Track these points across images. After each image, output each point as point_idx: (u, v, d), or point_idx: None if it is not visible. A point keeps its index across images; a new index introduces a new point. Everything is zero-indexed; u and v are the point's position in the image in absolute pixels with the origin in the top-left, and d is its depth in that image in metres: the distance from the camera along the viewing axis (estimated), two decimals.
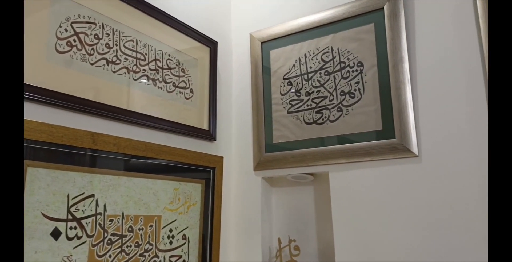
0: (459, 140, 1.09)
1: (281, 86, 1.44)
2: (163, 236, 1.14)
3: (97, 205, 0.98)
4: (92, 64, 1.04)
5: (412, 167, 1.16)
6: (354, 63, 1.30)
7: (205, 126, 1.38)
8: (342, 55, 1.33)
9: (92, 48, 1.04)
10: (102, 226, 0.99)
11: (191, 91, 1.36)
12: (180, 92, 1.31)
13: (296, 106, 1.40)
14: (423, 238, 1.10)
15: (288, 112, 1.41)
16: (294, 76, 1.42)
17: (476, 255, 1.02)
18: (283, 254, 1.36)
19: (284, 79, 1.44)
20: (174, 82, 1.29)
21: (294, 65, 1.43)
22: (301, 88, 1.40)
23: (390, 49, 1.22)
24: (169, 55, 1.28)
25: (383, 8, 1.25)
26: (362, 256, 1.18)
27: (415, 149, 1.14)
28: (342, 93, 1.30)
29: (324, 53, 1.37)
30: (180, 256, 1.19)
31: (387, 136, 1.20)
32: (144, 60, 1.19)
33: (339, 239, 1.23)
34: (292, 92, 1.42)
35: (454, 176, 1.08)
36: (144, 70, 1.19)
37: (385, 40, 1.24)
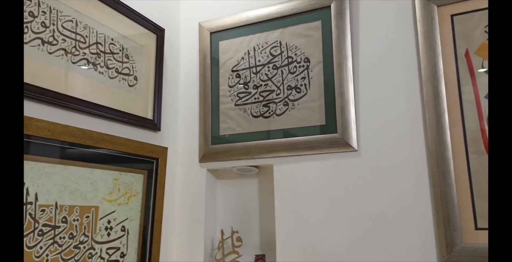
0: (396, 136, 1.16)
1: (229, 78, 1.44)
2: (100, 227, 1.10)
3: (27, 193, 0.92)
4: (25, 43, 0.96)
5: (351, 161, 1.21)
6: (301, 58, 1.33)
7: (149, 115, 1.34)
8: (290, 50, 1.35)
9: (26, 26, 0.97)
10: (33, 216, 0.92)
11: (135, 78, 1.31)
12: (123, 78, 1.26)
13: (243, 99, 1.40)
14: (361, 228, 1.16)
15: (235, 105, 1.41)
16: (243, 69, 1.42)
17: (409, 243, 1.10)
18: (225, 246, 1.36)
19: (233, 71, 1.44)
20: (117, 68, 1.23)
21: (243, 58, 1.43)
22: (249, 81, 1.40)
23: (336, 47, 1.26)
24: (112, 39, 1.23)
25: (330, 6, 1.29)
26: (302, 246, 1.22)
27: (354, 144, 1.20)
28: (289, 87, 1.33)
29: (272, 47, 1.38)
30: (118, 248, 1.15)
31: (330, 130, 1.24)
32: (84, 43, 1.13)
33: (281, 230, 1.26)
34: (240, 84, 1.42)
35: (391, 169, 1.15)
36: (84, 53, 1.12)
37: (331, 38, 1.28)
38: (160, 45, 1.41)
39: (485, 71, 1.07)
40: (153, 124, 1.34)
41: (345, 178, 1.21)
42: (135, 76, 1.31)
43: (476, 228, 1.02)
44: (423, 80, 1.13)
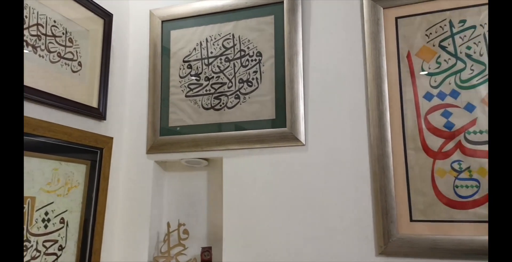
0: (341, 131, 1.21)
1: (180, 69, 1.41)
2: (36, 219, 1.04)
3: None
4: None
5: (299, 155, 1.24)
6: (253, 52, 1.33)
7: (94, 103, 1.28)
8: (242, 43, 1.35)
9: None
10: None
11: (80, 64, 1.24)
12: (66, 64, 1.19)
13: (194, 91, 1.38)
14: (305, 220, 1.19)
15: (186, 96, 1.39)
16: (194, 60, 1.40)
17: (350, 234, 1.14)
18: (171, 239, 1.35)
19: (184, 62, 1.41)
20: (59, 52, 1.17)
21: (195, 49, 1.41)
22: (200, 73, 1.39)
23: (287, 42, 1.28)
24: (54, 21, 1.16)
25: (283, 2, 1.31)
26: (248, 239, 1.23)
27: (302, 138, 1.23)
28: (240, 81, 1.33)
29: (225, 40, 1.37)
30: (56, 241, 1.10)
31: (279, 125, 1.26)
32: (24, 23, 1.05)
33: (228, 223, 1.27)
34: (191, 76, 1.40)
35: (335, 163, 1.19)
36: (23, 35, 1.05)
37: (283, 33, 1.30)
38: (107, 31, 1.35)
39: (425, 74, 1.13)
40: (98, 113, 1.29)
41: (292, 172, 1.23)
42: (79, 62, 1.24)
43: (411, 220, 1.09)
44: (368, 79, 1.18)
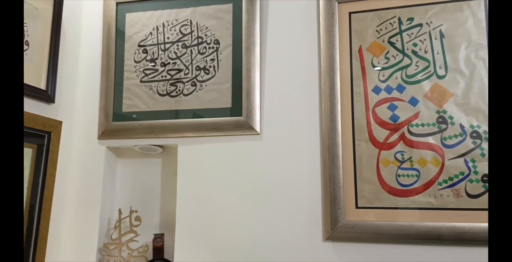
0: (295, 121, 1.24)
1: (135, 53, 1.38)
2: None
3: None
4: None
5: (254, 144, 1.26)
6: (211, 40, 1.33)
7: (42, 85, 1.23)
8: (200, 30, 1.34)
9: None
10: None
11: (27, 43, 1.18)
12: None
13: (150, 76, 1.36)
14: (258, 207, 1.22)
15: (141, 81, 1.36)
16: (150, 45, 1.38)
17: (300, 220, 1.19)
18: (123, 225, 1.33)
19: (140, 46, 1.38)
20: None
21: (151, 33, 1.38)
22: (156, 58, 1.36)
23: (245, 32, 1.29)
24: None
25: None
26: (201, 225, 1.25)
27: (258, 127, 1.25)
28: (197, 68, 1.33)
29: (182, 26, 1.36)
30: None
31: (235, 113, 1.28)
32: None
33: (182, 210, 1.27)
34: (147, 61, 1.37)
35: (288, 152, 1.23)
36: None
37: (241, 22, 1.30)
38: (57, 11, 1.29)
39: (374, 68, 1.19)
40: (46, 96, 1.23)
41: (247, 160, 1.26)
42: (27, 41, 1.18)
43: (357, 207, 1.14)
44: (321, 72, 1.22)
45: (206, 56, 1.32)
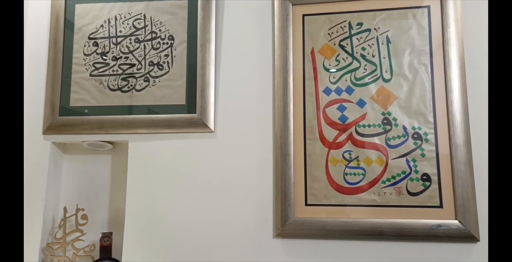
0: (249, 119, 1.25)
1: (85, 46, 1.33)
2: None
3: None
4: None
5: (208, 141, 1.26)
6: (165, 35, 1.31)
7: None
8: (154, 25, 1.32)
9: None
10: None
11: None
12: None
13: (100, 70, 1.32)
14: (209, 205, 1.22)
15: (90, 75, 1.32)
16: (102, 38, 1.33)
17: (251, 217, 1.20)
18: (68, 224, 1.28)
19: (90, 39, 1.34)
20: None
21: (102, 26, 1.34)
22: (107, 52, 1.32)
23: (200, 28, 1.28)
24: None
25: None
26: (151, 224, 1.23)
27: (211, 125, 1.25)
28: (151, 63, 1.30)
29: (136, 20, 1.33)
30: None
31: (189, 110, 1.27)
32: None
33: (131, 208, 1.25)
34: (97, 54, 1.33)
35: (241, 150, 1.24)
36: None
37: (196, 19, 1.29)
38: None
39: (326, 70, 1.22)
40: None
41: (200, 158, 1.25)
42: None
43: (306, 204, 1.17)
44: (275, 71, 1.24)
45: (160, 52, 1.30)
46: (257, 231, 1.19)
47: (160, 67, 1.29)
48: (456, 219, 1.08)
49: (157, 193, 1.25)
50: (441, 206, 1.10)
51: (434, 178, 1.12)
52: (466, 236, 1.07)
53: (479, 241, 1.07)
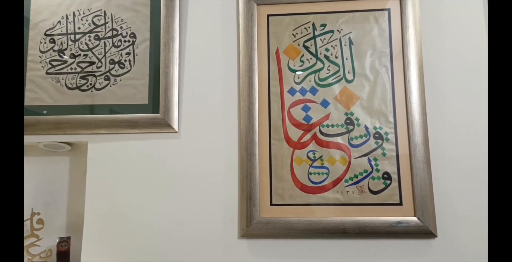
0: (214, 119, 1.24)
1: (41, 43, 1.28)
2: None
3: None
4: None
5: (171, 141, 1.24)
6: (127, 33, 1.27)
7: None
8: (115, 22, 1.28)
9: None
10: None
11: None
12: None
13: (57, 68, 1.26)
14: (173, 206, 1.20)
15: (47, 73, 1.26)
16: (59, 34, 1.28)
17: (217, 218, 1.19)
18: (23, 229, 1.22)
19: (46, 35, 1.28)
20: None
21: (59, 22, 1.28)
22: (65, 49, 1.27)
23: (163, 27, 1.26)
24: None
25: None
26: (112, 227, 1.19)
27: (175, 125, 1.23)
28: (111, 62, 1.26)
29: (95, 16, 1.28)
30: None
31: (152, 110, 1.24)
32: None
33: (90, 212, 1.20)
34: (54, 51, 1.27)
35: (206, 151, 1.22)
36: None
37: (160, 17, 1.26)
38: None
39: (290, 70, 1.23)
40: None
41: (164, 158, 1.23)
42: None
43: (271, 204, 1.18)
44: (240, 71, 1.23)
45: (121, 50, 1.26)
46: (223, 232, 1.18)
47: (122, 65, 1.26)
48: (415, 216, 1.12)
49: (119, 196, 1.21)
50: (400, 204, 1.14)
51: (394, 176, 1.15)
52: (425, 232, 1.11)
53: (436, 236, 1.11)
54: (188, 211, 1.20)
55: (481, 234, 1.11)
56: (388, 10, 1.23)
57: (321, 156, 1.18)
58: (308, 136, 1.20)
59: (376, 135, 1.18)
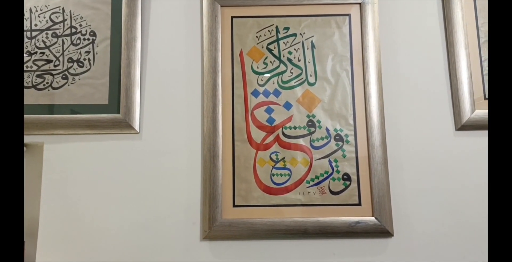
0: (176, 121, 1.22)
1: None
2: None
3: None
4: None
5: (132, 143, 1.21)
6: (86, 31, 1.24)
7: None
8: (74, 19, 1.24)
9: None
10: None
11: None
12: None
13: None
14: (134, 209, 1.18)
15: None
16: None
17: (179, 220, 1.17)
18: None
19: None
20: None
21: None
22: None
23: (125, 26, 1.23)
24: None
25: None
26: (69, 231, 1.15)
27: (136, 126, 1.20)
28: (70, 60, 1.22)
29: (53, 13, 1.24)
30: None
31: (112, 110, 1.21)
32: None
33: (46, 215, 1.16)
34: None
35: (169, 152, 1.21)
36: None
37: (121, 15, 1.24)
38: None
39: (254, 73, 1.24)
40: None
41: (125, 160, 1.20)
42: None
43: (234, 206, 1.18)
44: (204, 72, 1.23)
45: (81, 48, 1.23)
46: (184, 234, 1.17)
47: (81, 64, 1.22)
48: (373, 216, 1.15)
49: (77, 199, 1.17)
50: (359, 204, 1.17)
51: (354, 177, 1.18)
52: (382, 232, 1.14)
53: (393, 235, 1.15)
54: (149, 214, 1.18)
55: (433, 233, 1.16)
56: (349, 15, 1.26)
57: (284, 158, 1.20)
58: (271, 138, 1.21)
59: (337, 137, 1.20)
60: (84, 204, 1.17)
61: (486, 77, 1.23)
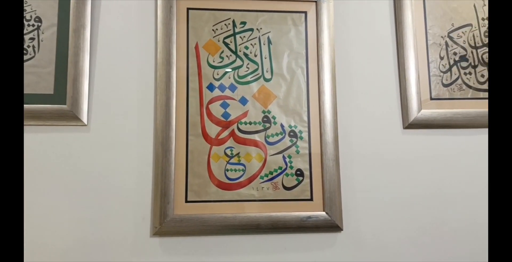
0: (128, 113, 1.18)
1: None
2: None
3: None
4: None
5: (80, 135, 1.16)
6: (31, 16, 1.16)
7: None
8: None
9: None
10: None
11: None
12: None
13: None
14: (80, 204, 1.13)
15: None
16: None
17: (128, 216, 1.14)
18: None
19: None
20: None
21: None
22: None
23: (73, 12, 1.17)
24: None
25: None
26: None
27: (84, 118, 1.15)
28: None
29: None
30: None
31: (58, 101, 1.14)
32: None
33: None
34: None
35: (119, 146, 1.16)
36: None
37: (69, 1, 1.17)
38: None
39: (209, 66, 1.22)
40: None
41: (72, 153, 1.14)
42: None
43: (186, 201, 1.16)
44: (158, 64, 1.19)
45: (25, 34, 1.15)
46: (134, 230, 1.13)
47: (25, 52, 1.14)
48: (323, 211, 1.17)
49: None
50: (311, 199, 1.19)
51: (307, 173, 1.20)
52: (331, 226, 1.17)
53: (342, 230, 1.18)
54: (96, 210, 1.13)
55: (381, 228, 1.21)
56: (305, 13, 1.28)
57: (238, 153, 1.19)
58: (226, 133, 1.20)
59: (291, 133, 1.22)
60: (28, 200, 1.10)
61: (432, 78, 1.29)
